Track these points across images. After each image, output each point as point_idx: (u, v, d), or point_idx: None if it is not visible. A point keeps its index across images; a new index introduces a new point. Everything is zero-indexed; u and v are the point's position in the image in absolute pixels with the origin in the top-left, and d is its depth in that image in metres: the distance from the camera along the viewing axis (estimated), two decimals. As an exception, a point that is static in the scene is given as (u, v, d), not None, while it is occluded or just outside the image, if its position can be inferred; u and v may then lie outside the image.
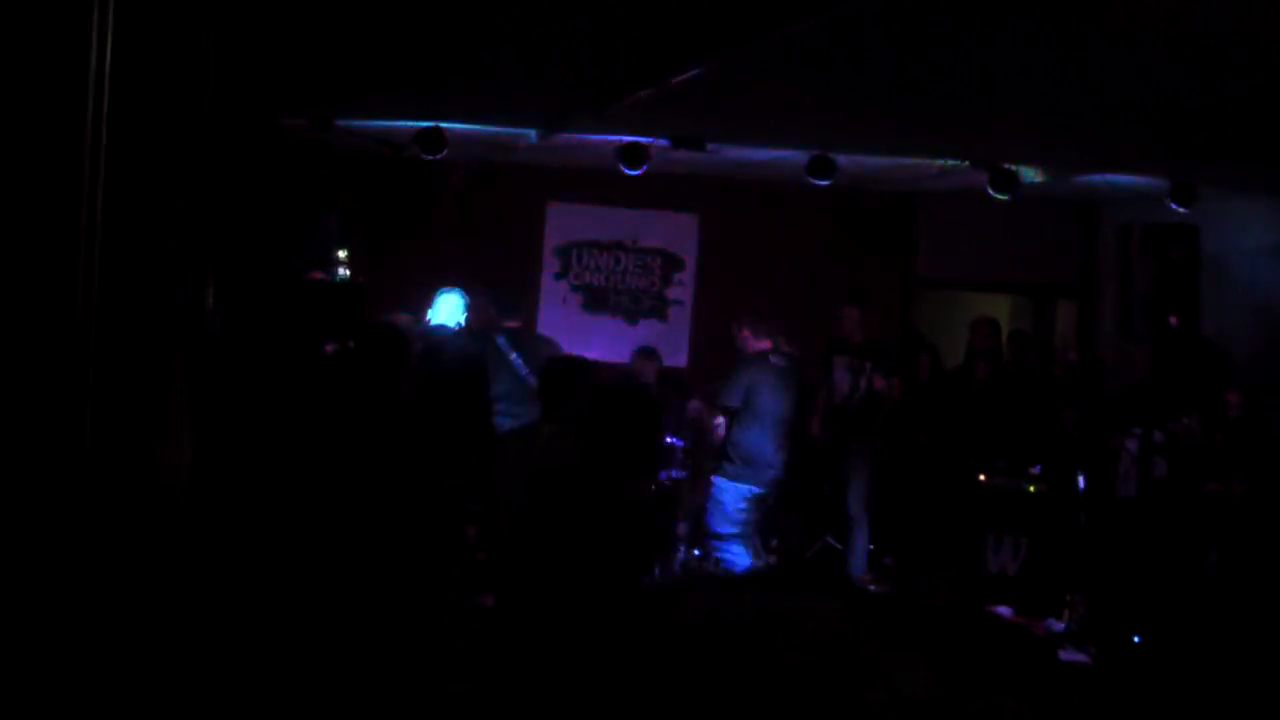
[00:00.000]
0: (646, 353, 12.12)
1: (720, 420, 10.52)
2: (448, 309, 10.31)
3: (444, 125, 10.44)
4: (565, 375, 7.08)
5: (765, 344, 10.30)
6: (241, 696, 7.21)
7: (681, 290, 13.85)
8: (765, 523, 10.86)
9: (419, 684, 8.24)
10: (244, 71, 8.22)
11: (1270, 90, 7.10)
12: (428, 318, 10.30)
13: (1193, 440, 10.45)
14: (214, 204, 8.20)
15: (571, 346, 12.81)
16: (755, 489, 10.24)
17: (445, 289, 10.35)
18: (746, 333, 10.39)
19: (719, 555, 10.40)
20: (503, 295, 10.62)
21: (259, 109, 9.80)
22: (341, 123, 10.33)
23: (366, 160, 11.80)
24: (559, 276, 13.65)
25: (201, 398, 7.24)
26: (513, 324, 10.51)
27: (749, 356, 10.33)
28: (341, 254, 12.05)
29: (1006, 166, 10.76)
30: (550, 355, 10.73)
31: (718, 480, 10.35)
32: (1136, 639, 10.09)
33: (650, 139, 10.60)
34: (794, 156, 10.80)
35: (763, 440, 10.20)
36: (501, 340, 10.37)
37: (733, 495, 10.23)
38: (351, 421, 8.85)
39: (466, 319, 10.37)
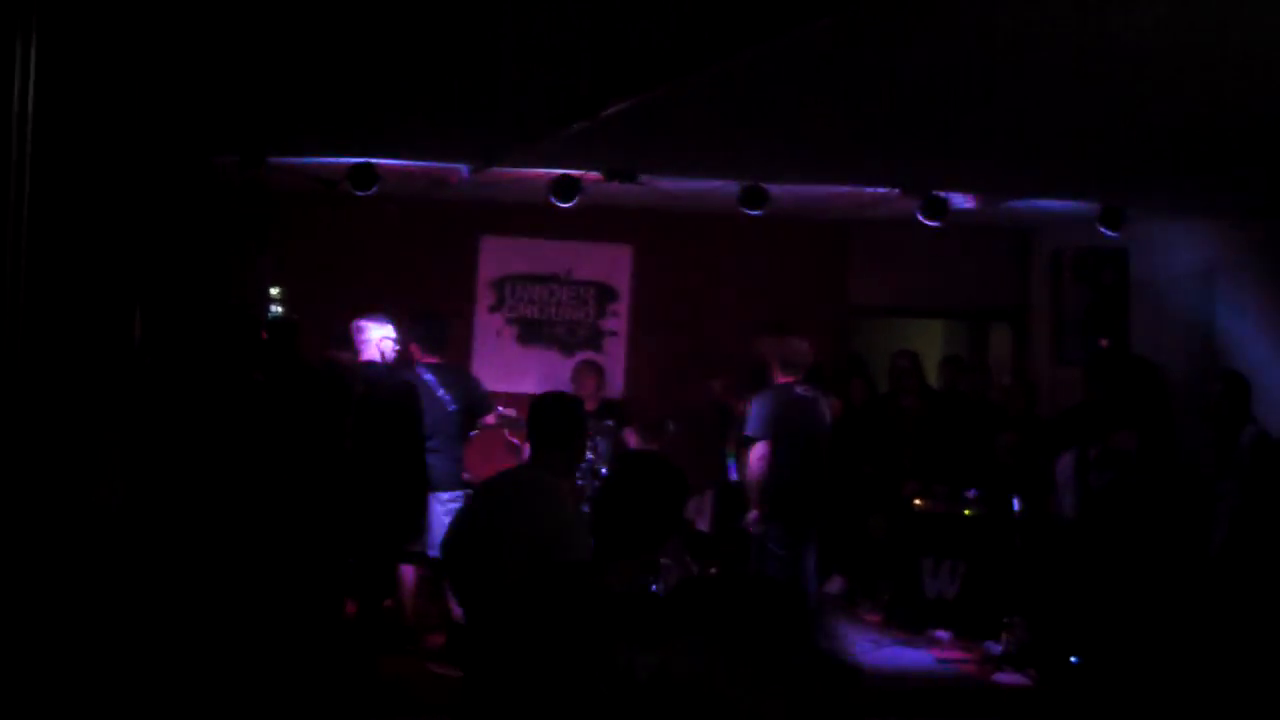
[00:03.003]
0: (592, 366, 12.03)
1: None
2: (374, 341, 10.24)
3: (376, 161, 10.42)
4: (563, 415, 6.13)
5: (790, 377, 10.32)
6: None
7: (616, 321, 13.86)
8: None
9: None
10: (175, 109, 8.19)
11: (1197, 115, 7.18)
12: (362, 353, 10.23)
13: (1129, 459, 10.51)
14: (144, 241, 8.14)
15: (508, 379, 12.81)
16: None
17: (372, 320, 10.27)
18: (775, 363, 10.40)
19: None
20: (427, 328, 10.55)
21: (190, 147, 9.76)
22: (273, 159, 10.29)
23: (299, 197, 11.76)
24: (494, 309, 13.63)
25: (131, 434, 7.18)
26: (434, 358, 10.46)
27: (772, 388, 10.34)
28: (274, 291, 11.99)
29: (937, 194, 10.83)
30: (477, 390, 10.71)
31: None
32: (1074, 660, 10.13)
33: (583, 171, 10.60)
34: (726, 187, 10.83)
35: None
36: (429, 375, 10.32)
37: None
38: (289, 460, 8.81)
39: (393, 352, 10.30)
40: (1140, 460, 10.27)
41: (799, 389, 10.29)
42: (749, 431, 10.25)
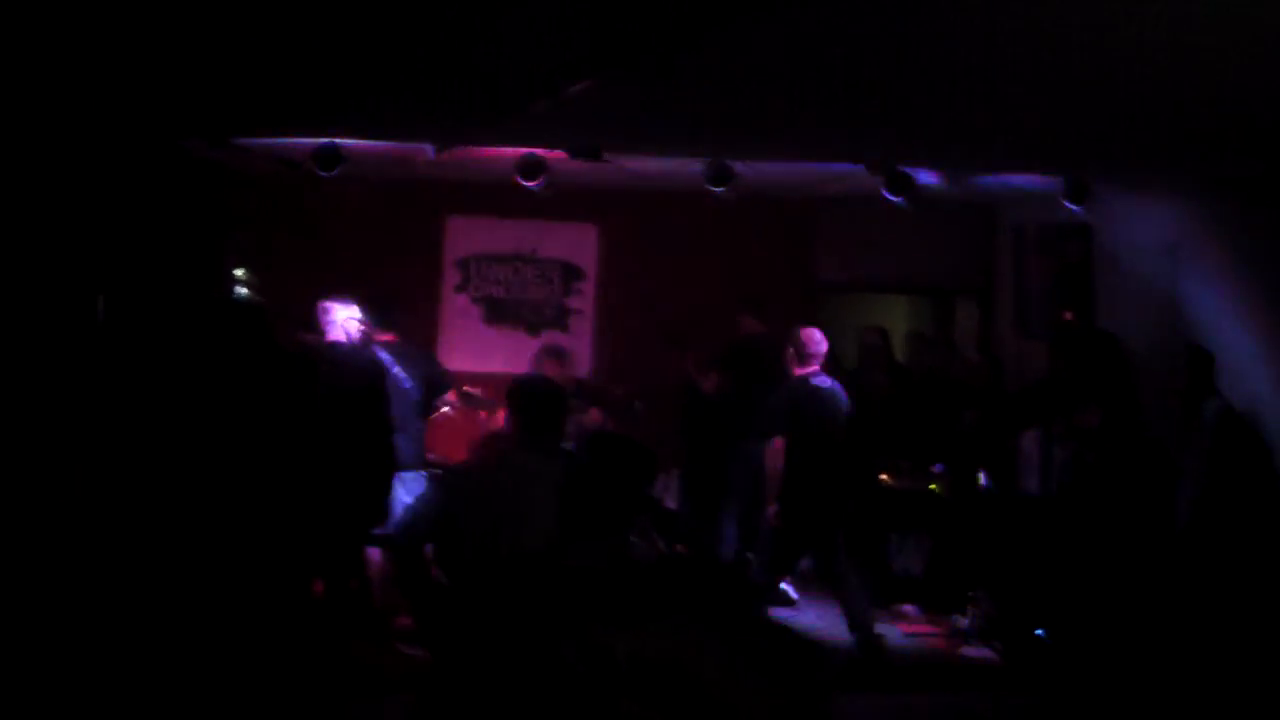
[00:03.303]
0: (552, 351, 12.03)
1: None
2: (340, 323, 10.22)
3: (340, 142, 10.39)
4: (547, 400, 6.31)
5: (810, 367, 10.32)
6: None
7: (582, 300, 13.86)
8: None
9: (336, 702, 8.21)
10: (139, 92, 8.15)
11: (1161, 87, 7.20)
12: (327, 334, 10.22)
13: (1094, 435, 10.57)
14: (107, 225, 8.12)
15: (474, 359, 12.81)
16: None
17: (337, 301, 10.26)
18: (791, 355, 10.40)
19: None
20: (376, 307, 10.54)
21: (154, 129, 9.72)
22: (237, 141, 10.25)
23: (264, 178, 11.72)
24: (460, 289, 13.62)
25: (95, 417, 7.16)
26: (389, 337, 10.45)
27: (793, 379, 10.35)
28: (240, 273, 11.96)
29: (901, 169, 10.85)
30: (432, 368, 10.69)
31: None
32: (1040, 634, 10.20)
33: (548, 150, 10.59)
34: (692, 165, 10.83)
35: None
36: (384, 354, 10.31)
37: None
38: (258, 442, 8.80)
39: (358, 333, 10.29)
40: (1104, 435, 10.33)
41: (816, 380, 10.30)
42: (766, 428, 10.27)
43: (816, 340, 10.35)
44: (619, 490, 4.42)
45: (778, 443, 10.15)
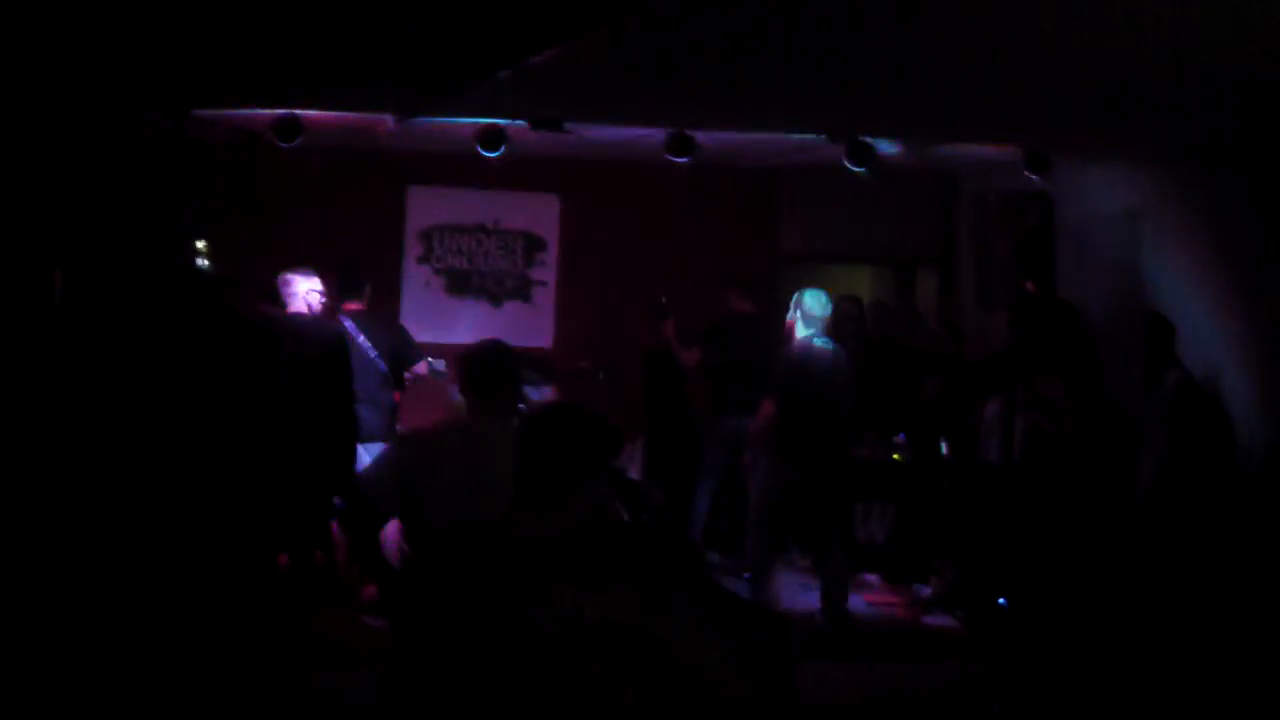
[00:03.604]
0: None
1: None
2: (302, 294, 10.18)
3: (300, 112, 10.33)
4: (495, 362, 6.25)
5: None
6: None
7: (545, 271, 13.84)
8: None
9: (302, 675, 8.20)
10: (95, 63, 8.08)
11: (1122, 56, 7.21)
12: (289, 306, 10.18)
13: (1054, 404, 10.61)
14: (63, 198, 8.05)
15: (436, 330, 12.79)
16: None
17: (299, 273, 10.22)
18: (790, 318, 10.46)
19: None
20: (342, 275, 10.51)
21: (111, 101, 9.65)
22: (196, 112, 10.18)
23: (223, 150, 11.66)
24: (421, 260, 13.58)
25: (53, 395, 7.12)
26: (356, 306, 10.41)
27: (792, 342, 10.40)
28: (200, 245, 11.89)
29: (862, 139, 10.85)
30: (399, 339, 10.67)
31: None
32: (1001, 602, 10.24)
33: (508, 121, 10.55)
34: (652, 134, 10.81)
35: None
36: (349, 324, 10.27)
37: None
38: (222, 415, 8.76)
39: (319, 304, 10.25)
40: (1066, 404, 10.37)
41: (818, 343, 10.36)
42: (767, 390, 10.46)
43: (823, 303, 10.55)
44: (554, 460, 4.36)
45: (765, 405, 10.29)
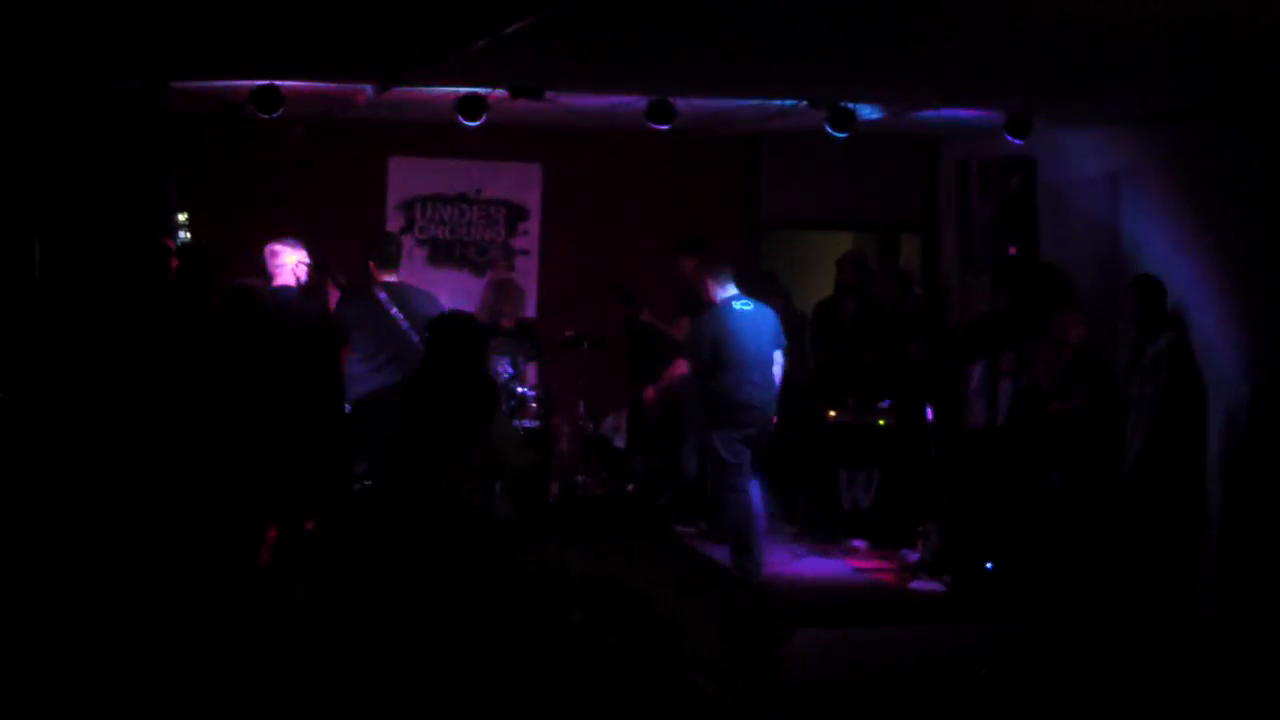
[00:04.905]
0: (497, 284, 11.87)
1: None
2: (289, 266, 10.09)
3: (280, 83, 10.28)
4: (456, 331, 6.50)
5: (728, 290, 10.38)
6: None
7: (527, 240, 13.81)
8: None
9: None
10: (73, 34, 8.05)
11: (1101, 20, 7.21)
12: (276, 278, 10.09)
13: (1038, 365, 10.63)
14: (42, 170, 8.01)
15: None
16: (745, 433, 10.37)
17: (285, 244, 10.10)
18: (709, 281, 10.44)
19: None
20: (377, 246, 10.45)
21: (90, 72, 9.61)
22: (176, 84, 10.13)
23: (203, 121, 11.61)
24: (404, 231, 13.53)
25: (32, 367, 7.10)
26: (391, 278, 10.35)
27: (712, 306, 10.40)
28: (181, 217, 11.84)
29: (844, 105, 10.83)
30: (431, 310, 10.62)
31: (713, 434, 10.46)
32: (989, 566, 10.27)
33: (489, 89, 10.52)
34: (633, 102, 10.79)
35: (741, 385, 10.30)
36: (383, 296, 10.20)
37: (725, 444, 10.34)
38: (203, 387, 8.74)
39: (306, 276, 10.15)
40: (1048, 369, 10.41)
41: (737, 305, 10.34)
42: (684, 354, 10.55)
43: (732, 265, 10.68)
44: (470, 404, 4.34)
45: (679, 366, 10.35)
